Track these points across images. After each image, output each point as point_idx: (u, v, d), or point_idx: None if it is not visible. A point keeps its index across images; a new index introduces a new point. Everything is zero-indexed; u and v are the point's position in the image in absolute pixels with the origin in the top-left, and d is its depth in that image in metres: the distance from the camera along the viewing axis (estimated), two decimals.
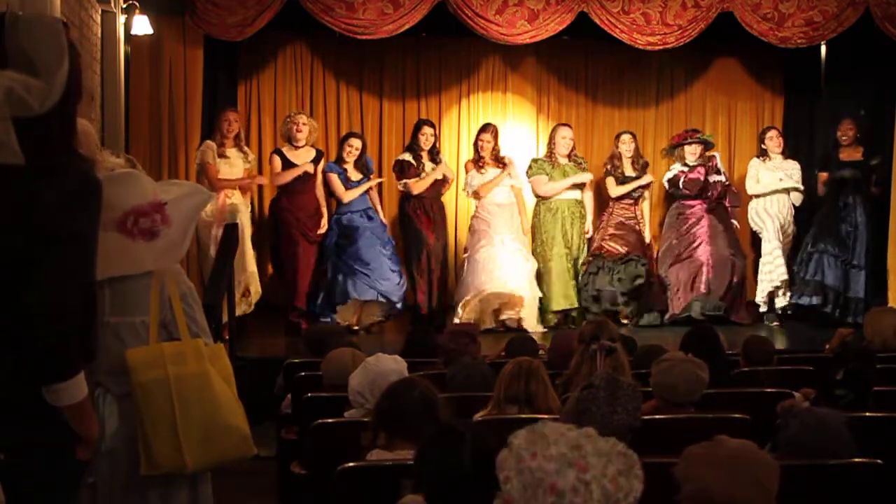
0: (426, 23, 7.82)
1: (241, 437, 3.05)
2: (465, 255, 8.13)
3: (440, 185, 8.15)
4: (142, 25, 7.26)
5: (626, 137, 8.38)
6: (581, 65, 9.34)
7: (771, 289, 8.32)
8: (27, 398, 2.20)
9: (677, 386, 3.69)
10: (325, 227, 7.77)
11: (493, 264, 7.81)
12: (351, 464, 2.95)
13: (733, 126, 9.52)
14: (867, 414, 3.68)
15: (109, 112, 6.86)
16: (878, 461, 2.92)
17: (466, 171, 8.19)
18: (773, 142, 8.46)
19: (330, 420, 3.66)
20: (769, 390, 4.28)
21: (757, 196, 8.44)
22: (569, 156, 8.20)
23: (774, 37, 8.04)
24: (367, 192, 7.92)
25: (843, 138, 8.24)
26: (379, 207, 8.09)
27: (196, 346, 3.01)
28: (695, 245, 8.27)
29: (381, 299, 7.78)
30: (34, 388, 2.19)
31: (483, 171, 8.03)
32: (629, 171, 8.28)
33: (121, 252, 2.86)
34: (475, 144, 8.13)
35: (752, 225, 8.56)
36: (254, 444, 3.12)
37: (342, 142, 7.91)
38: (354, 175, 7.83)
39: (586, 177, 8.19)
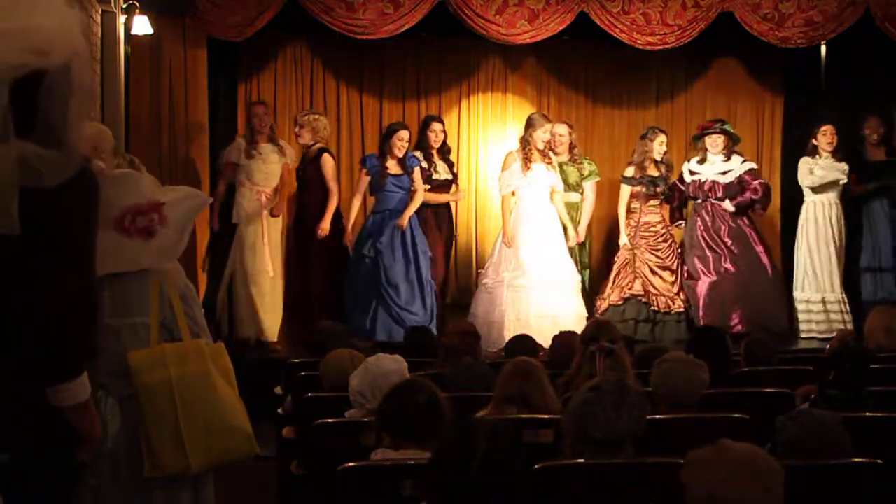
0: (426, 23, 7.81)
1: (244, 437, 3.06)
2: (486, 272, 7.52)
3: (444, 187, 7.83)
4: (142, 25, 7.25)
5: (663, 138, 7.85)
6: (581, 65, 9.34)
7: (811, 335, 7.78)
8: (27, 399, 2.20)
9: (677, 386, 3.69)
10: (340, 229, 7.36)
11: (547, 310, 7.17)
12: (351, 464, 2.95)
13: (733, 126, 9.49)
14: (867, 414, 3.69)
15: (109, 112, 6.85)
16: (878, 461, 2.92)
17: (504, 165, 7.59)
18: (826, 138, 7.82)
19: (330, 420, 3.66)
20: (769, 390, 4.29)
21: (811, 189, 7.88)
22: (571, 154, 7.90)
23: (774, 37, 8.04)
24: (410, 188, 7.41)
25: (873, 136, 8.07)
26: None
27: (198, 347, 3.02)
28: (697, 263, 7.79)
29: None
30: (35, 389, 2.19)
31: (528, 170, 7.38)
32: (652, 171, 7.78)
33: (118, 250, 2.87)
34: (527, 138, 7.44)
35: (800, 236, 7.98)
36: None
37: (390, 134, 7.47)
38: (396, 170, 7.38)
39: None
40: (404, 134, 7.39)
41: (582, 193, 7.98)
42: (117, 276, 2.94)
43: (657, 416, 3.57)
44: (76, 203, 2.17)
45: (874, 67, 8.56)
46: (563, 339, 5.10)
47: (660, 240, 7.84)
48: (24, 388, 2.19)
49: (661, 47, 8.08)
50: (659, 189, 7.80)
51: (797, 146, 8.89)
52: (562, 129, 7.94)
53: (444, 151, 7.91)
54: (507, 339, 6.66)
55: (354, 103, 9.05)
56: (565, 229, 7.59)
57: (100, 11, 6.76)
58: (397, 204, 7.38)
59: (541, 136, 7.41)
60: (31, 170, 2.02)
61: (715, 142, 7.85)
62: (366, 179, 7.45)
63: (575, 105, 9.32)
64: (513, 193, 7.48)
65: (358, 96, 9.05)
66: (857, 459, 2.95)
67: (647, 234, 7.83)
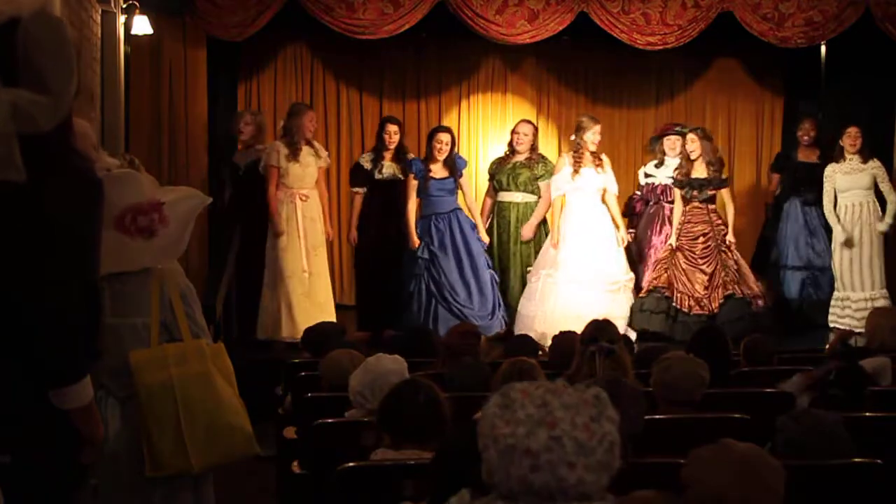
0: (426, 23, 7.82)
1: (244, 437, 3.06)
2: (534, 268, 7.54)
3: (391, 187, 7.58)
4: (142, 25, 7.26)
5: (691, 136, 7.58)
6: (581, 65, 9.35)
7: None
8: (31, 400, 2.20)
9: (677, 384, 3.69)
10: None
11: (576, 309, 7.00)
12: (351, 464, 2.95)
13: (733, 126, 9.53)
14: (867, 414, 3.69)
15: (109, 112, 6.85)
16: (878, 461, 2.92)
17: (555, 169, 7.54)
18: (850, 139, 7.64)
19: (330, 420, 3.66)
20: (769, 390, 4.28)
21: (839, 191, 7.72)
22: (530, 154, 7.71)
23: (774, 37, 8.04)
24: (456, 190, 7.47)
25: (805, 138, 8.11)
26: (476, 213, 7.62)
27: (198, 347, 3.02)
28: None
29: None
30: (38, 391, 2.19)
31: (578, 173, 7.40)
32: (699, 174, 7.53)
33: (118, 249, 2.86)
34: (578, 142, 7.45)
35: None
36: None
37: (430, 137, 7.49)
38: (441, 173, 7.41)
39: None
40: (444, 137, 7.41)
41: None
42: (118, 276, 2.94)
43: (657, 416, 3.57)
44: (80, 204, 2.18)
45: (874, 67, 8.56)
46: (562, 339, 5.09)
47: (698, 240, 7.61)
48: (26, 390, 2.19)
49: (661, 47, 8.08)
50: (696, 192, 7.58)
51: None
52: (525, 129, 7.82)
53: (401, 152, 7.59)
54: (538, 332, 6.84)
55: (354, 103, 9.06)
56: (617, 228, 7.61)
57: (100, 11, 6.75)
58: (443, 206, 7.43)
59: (591, 137, 7.45)
60: (24, 115, 2.04)
61: (673, 144, 7.91)
62: (414, 184, 7.42)
63: (575, 105, 9.32)
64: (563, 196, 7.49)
65: (358, 96, 9.06)
66: (857, 459, 2.95)
67: (686, 234, 7.66)
